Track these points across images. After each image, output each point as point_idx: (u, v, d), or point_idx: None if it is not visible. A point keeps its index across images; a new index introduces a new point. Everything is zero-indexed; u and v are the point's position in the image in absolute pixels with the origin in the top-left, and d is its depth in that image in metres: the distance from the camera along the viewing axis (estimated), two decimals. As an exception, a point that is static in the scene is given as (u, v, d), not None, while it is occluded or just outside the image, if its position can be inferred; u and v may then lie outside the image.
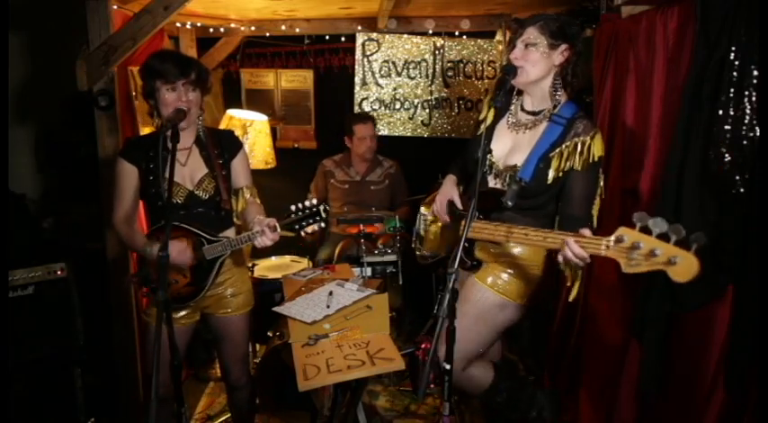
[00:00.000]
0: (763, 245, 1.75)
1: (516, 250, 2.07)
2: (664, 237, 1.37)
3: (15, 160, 3.75)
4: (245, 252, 2.43)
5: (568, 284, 1.91)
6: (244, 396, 2.48)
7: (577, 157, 1.90)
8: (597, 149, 1.90)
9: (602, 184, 1.98)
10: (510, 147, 2.05)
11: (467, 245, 2.04)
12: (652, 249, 1.37)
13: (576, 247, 1.58)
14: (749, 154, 1.76)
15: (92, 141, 2.79)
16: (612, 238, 1.48)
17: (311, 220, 2.08)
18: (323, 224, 2.10)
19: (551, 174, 1.93)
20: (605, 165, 2.16)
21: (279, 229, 2.06)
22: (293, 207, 2.10)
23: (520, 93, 2.09)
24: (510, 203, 1.93)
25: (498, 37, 4.00)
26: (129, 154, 2.20)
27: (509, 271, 2.09)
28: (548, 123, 1.99)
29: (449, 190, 2.21)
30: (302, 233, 2.12)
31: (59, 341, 2.66)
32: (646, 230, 1.39)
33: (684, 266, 1.33)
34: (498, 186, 2.05)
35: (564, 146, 1.92)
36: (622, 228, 1.46)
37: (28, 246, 3.20)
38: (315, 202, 2.08)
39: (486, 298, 2.08)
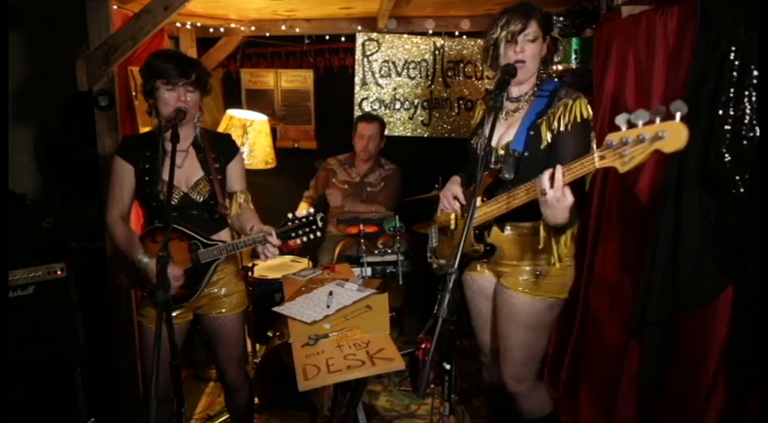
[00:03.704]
0: (763, 245, 1.75)
1: (545, 242, 2.02)
2: (651, 123, 1.37)
3: (15, 160, 3.76)
4: (240, 253, 2.43)
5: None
6: (241, 397, 2.48)
7: (563, 118, 1.91)
8: (582, 110, 1.91)
9: (594, 145, 1.93)
10: (503, 131, 2.07)
11: (477, 232, 2.05)
12: (638, 136, 1.37)
13: (552, 176, 1.59)
14: (749, 154, 1.76)
15: (92, 141, 2.79)
16: (602, 147, 1.49)
17: (307, 230, 2.08)
18: (319, 234, 2.09)
19: (543, 140, 1.94)
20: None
21: (275, 237, 2.05)
22: (290, 215, 2.10)
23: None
24: (507, 176, 1.95)
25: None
26: (125, 152, 2.19)
27: (539, 268, 2.03)
28: (533, 99, 2.03)
29: (451, 186, 2.19)
30: (298, 241, 2.12)
31: (59, 341, 2.66)
32: (631, 126, 1.40)
33: (673, 135, 1.32)
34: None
35: (550, 111, 1.95)
36: (609, 134, 1.46)
37: (28, 246, 3.20)
38: (311, 211, 2.08)
39: (534, 306, 2.03)
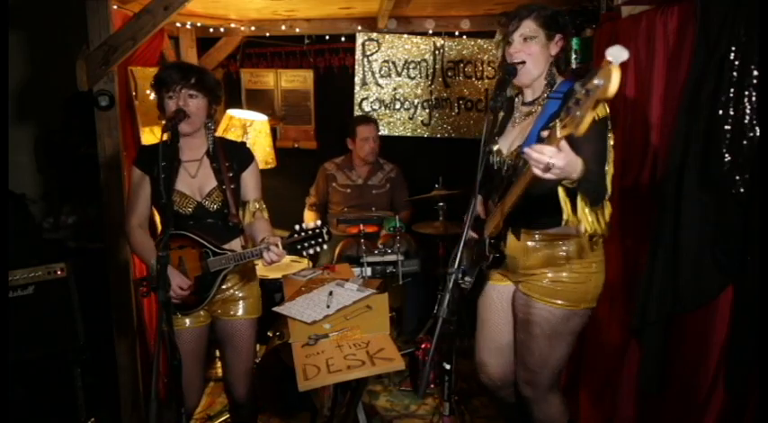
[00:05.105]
0: (763, 245, 1.75)
1: (569, 249, 1.95)
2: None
3: (15, 160, 3.76)
4: None
5: (566, 216, 1.69)
6: (246, 412, 2.49)
7: None
8: (599, 109, 1.78)
9: (611, 143, 1.81)
10: (515, 136, 2.03)
11: (492, 241, 2.01)
12: (586, 93, 1.30)
13: (539, 146, 1.48)
14: (749, 154, 1.76)
15: (92, 141, 2.79)
16: (562, 115, 1.43)
17: (313, 242, 2.07)
18: (325, 246, 2.09)
19: (554, 143, 1.85)
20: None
21: (281, 248, 2.05)
22: (297, 227, 2.09)
23: (519, 90, 2.08)
24: (515, 180, 1.88)
25: (498, 37, 3.99)
26: (141, 162, 2.21)
27: (562, 276, 1.97)
28: (547, 102, 1.96)
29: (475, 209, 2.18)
30: (303, 253, 2.12)
31: (59, 341, 2.66)
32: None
33: (605, 81, 1.24)
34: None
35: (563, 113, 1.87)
36: (569, 101, 1.39)
37: (28, 246, 3.20)
38: (319, 223, 2.08)
39: (548, 315, 1.98)
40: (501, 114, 2.19)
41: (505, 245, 2.02)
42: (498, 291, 2.17)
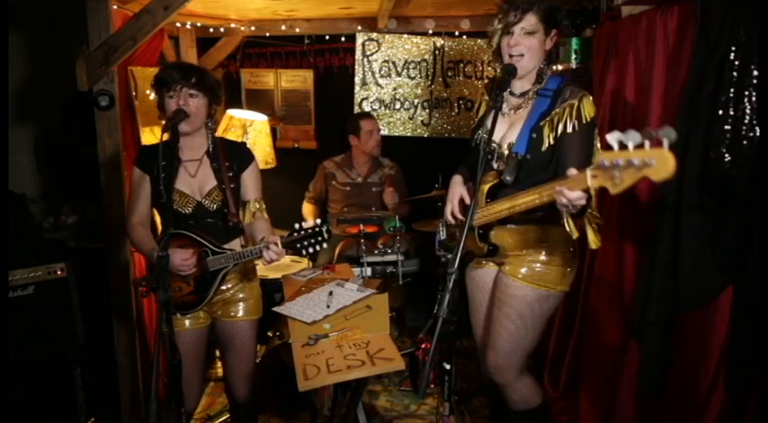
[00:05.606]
0: (763, 245, 1.75)
1: (548, 233, 2.03)
2: (641, 147, 1.33)
3: (15, 160, 3.76)
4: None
5: (576, 236, 1.83)
6: (246, 412, 2.49)
7: (568, 120, 1.90)
8: (587, 111, 1.90)
9: (598, 145, 1.92)
10: (506, 129, 2.07)
11: (481, 231, 2.06)
12: (629, 160, 1.34)
13: (567, 192, 1.59)
14: (749, 154, 1.76)
15: (92, 141, 2.79)
16: (594, 165, 1.48)
17: (313, 241, 2.07)
18: (325, 245, 2.09)
19: (545, 142, 1.94)
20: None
21: (280, 246, 2.05)
22: (296, 225, 2.08)
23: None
24: (508, 178, 1.96)
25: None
26: (142, 162, 2.22)
27: (541, 258, 2.05)
28: (536, 98, 2.02)
29: (456, 189, 2.20)
30: (303, 252, 2.12)
31: (59, 341, 2.67)
32: (623, 147, 1.36)
33: (660, 163, 1.28)
34: (502, 169, 2.06)
35: (554, 113, 1.94)
36: (601, 152, 1.44)
37: (28, 246, 3.20)
38: (318, 221, 2.07)
39: (525, 294, 2.05)
40: (484, 101, 2.24)
41: (492, 232, 2.09)
42: (481, 274, 2.24)
